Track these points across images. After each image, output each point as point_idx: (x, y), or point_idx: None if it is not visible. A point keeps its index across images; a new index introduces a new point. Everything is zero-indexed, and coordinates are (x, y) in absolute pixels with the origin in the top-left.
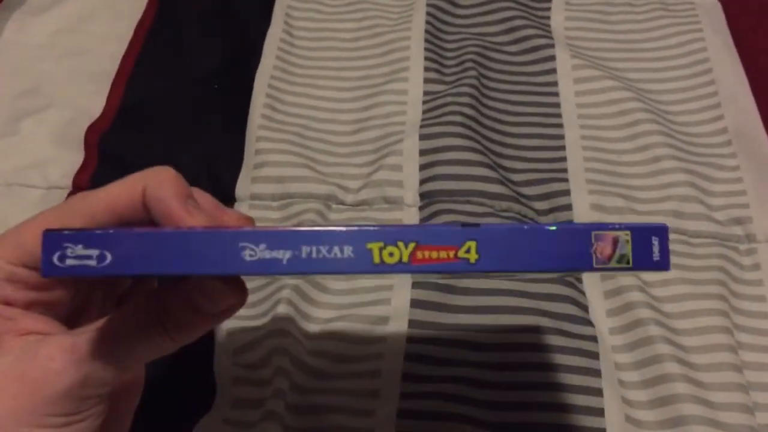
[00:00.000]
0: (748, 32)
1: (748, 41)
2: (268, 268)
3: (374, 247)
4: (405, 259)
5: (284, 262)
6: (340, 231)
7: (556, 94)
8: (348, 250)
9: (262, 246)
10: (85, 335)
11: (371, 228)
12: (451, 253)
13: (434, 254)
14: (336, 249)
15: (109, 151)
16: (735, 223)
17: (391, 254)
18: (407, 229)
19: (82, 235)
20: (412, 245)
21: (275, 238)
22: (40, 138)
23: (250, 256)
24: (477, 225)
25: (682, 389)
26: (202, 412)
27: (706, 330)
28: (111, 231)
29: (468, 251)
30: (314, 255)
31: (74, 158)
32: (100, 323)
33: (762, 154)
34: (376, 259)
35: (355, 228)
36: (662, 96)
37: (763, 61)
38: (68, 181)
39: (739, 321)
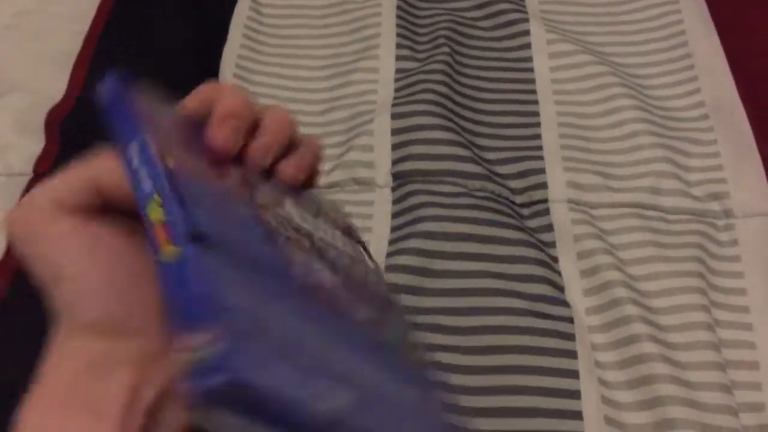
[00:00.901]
0: (725, 4)
1: (725, 14)
2: None
3: None
4: None
5: None
6: None
7: (531, 70)
8: None
9: None
10: None
11: None
12: None
13: None
14: None
15: (71, 136)
16: (712, 198)
17: None
18: None
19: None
20: None
21: None
22: (0, 124)
23: None
24: None
25: (659, 369)
26: None
27: (683, 308)
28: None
29: None
30: None
31: (36, 144)
32: None
33: (739, 127)
34: None
35: None
36: (639, 70)
37: (740, 33)
38: (29, 168)
39: (717, 298)
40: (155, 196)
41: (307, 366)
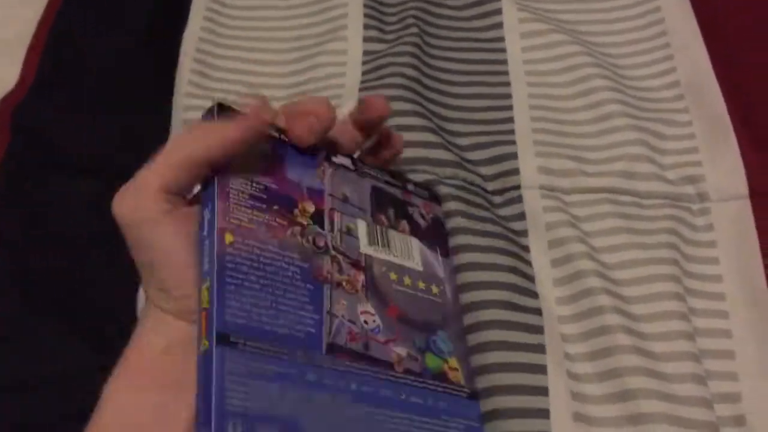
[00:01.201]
0: None
1: None
2: None
3: None
4: None
5: None
6: None
7: (503, 50)
8: None
9: None
10: None
11: None
12: None
13: None
14: None
15: (23, 125)
16: (687, 182)
17: None
18: None
19: None
20: None
21: None
22: None
23: None
24: None
25: (632, 361)
26: None
27: (657, 297)
28: None
29: None
30: None
31: None
32: None
33: (715, 108)
34: None
35: None
36: (612, 49)
37: (717, 12)
38: None
39: (692, 285)
40: (207, 280)
41: None
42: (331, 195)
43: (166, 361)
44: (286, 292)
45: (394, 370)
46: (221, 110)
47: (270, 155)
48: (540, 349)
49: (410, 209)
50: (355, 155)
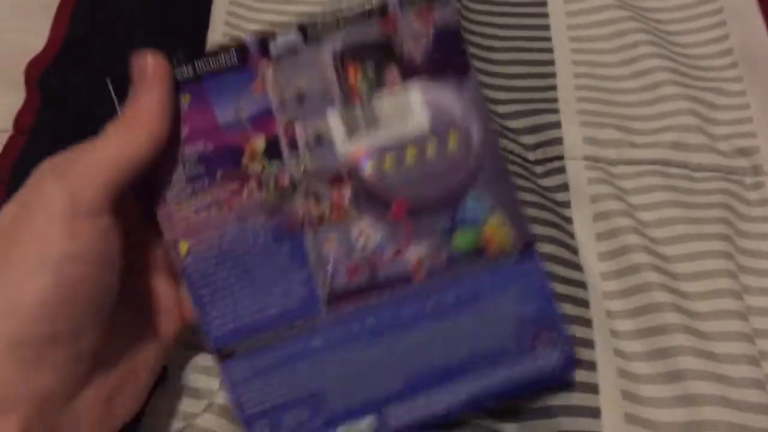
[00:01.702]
0: None
1: None
2: None
3: None
4: None
5: None
6: None
7: (545, 15)
8: None
9: None
10: None
11: None
12: None
13: None
14: None
15: (52, 90)
16: (740, 154)
17: None
18: None
19: None
20: None
21: None
22: None
23: None
24: None
25: (681, 340)
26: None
27: (708, 274)
28: None
29: None
30: None
31: (15, 98)
32: None
33: None
34: None
35: None
36: (661, 14)
37: None
38: (9, 124)
39: (745, 263)
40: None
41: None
42: (281, 106)
43: None
44: (264, 269)
45: (412, 281)
46: (115, 85)
47: (189, 108)
48: (587, 323)
49: (396, 42)
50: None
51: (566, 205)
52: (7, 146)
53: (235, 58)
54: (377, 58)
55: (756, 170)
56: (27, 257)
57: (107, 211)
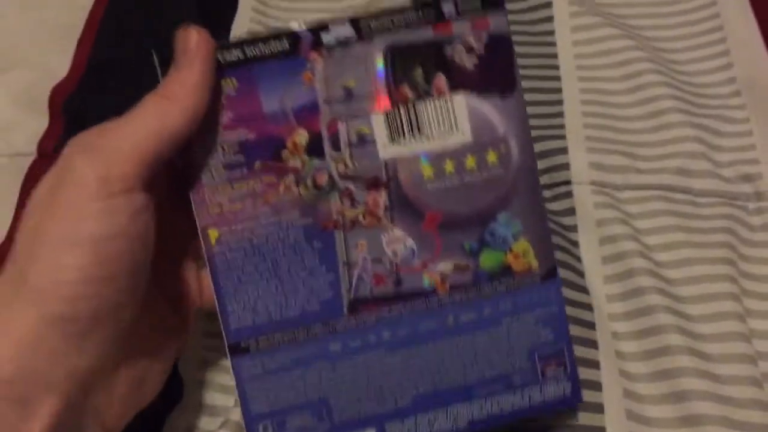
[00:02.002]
0: None
1: None
2: None
3: None
4: None
5: None
6: None
7: (553, 44)
8: None
9: None
10: None
11: None
12: None
13: None
14: None
15: (75, 115)
16: (744, 180)
17: None
18: None
19: None
20: None
21: None
22: (2, 102)
23: None
24: None
25: (685, 361)
26: (171, 405)
27: (712, 297)
28: None
29: None
30: None
31: (39, 123)
32: None
33: None
34: None
35: None
36: (667, 44)
37: None
38: (33, 148)
39: (748, 286)
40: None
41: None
42: (327, 101)
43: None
44: (291, 266)
45: (436, 294)
46: (160, 57)
47: (235, 93)
48: (592, 344)
49: (448, 49)
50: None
51: (573, 229)
52: (30, 169)
53: (287, 46)
54: (427, 63)
55: (759, 196)
56: (64, 235)
57: (140, 188)
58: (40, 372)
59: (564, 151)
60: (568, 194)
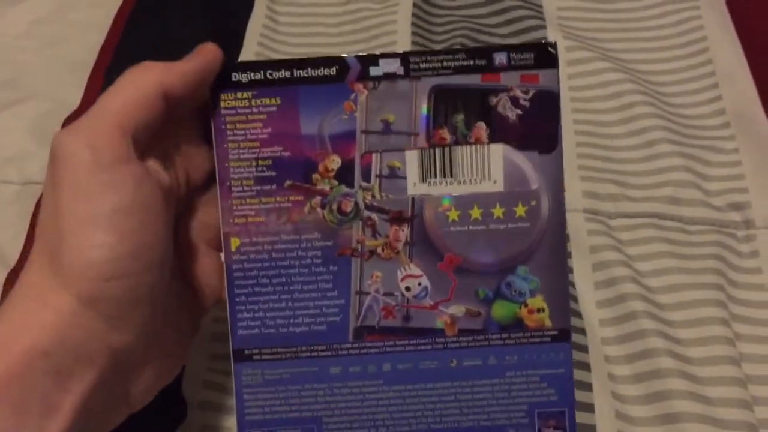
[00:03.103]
0: (746, 9)
1: (747, 19)
2: None
3: None
4: None
5: None
6: None
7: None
8: None
9: None
10: None
11: None
12: None
13: None
14: None
15: None
16: (733, 208)
17: None
18: None
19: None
20: None
21: None
22: (16, 131)
23: None
24: None
25: (676, 384)
26: (174, 425)
27: (702, 322)
28: None
29: None
30: None
31: None
32: None
33: (761, 135)
34: None
35: None
36: (658, 77)
37: (762, 40)
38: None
39: (737, 311)
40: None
41: None
42: (365, 132)
43: (37, 369)
44: (304, 285)
45: (444, 335)
46: None
47: (276, 110)
48: (585, 367)
49: (493, 99)
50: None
51: (567, 255)
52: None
53: (333, 73)
54: (470, 109)
55: (748, 224)
56: (77, 217)
57: (133, 159)
58: (78, 346)
59: None
60: None
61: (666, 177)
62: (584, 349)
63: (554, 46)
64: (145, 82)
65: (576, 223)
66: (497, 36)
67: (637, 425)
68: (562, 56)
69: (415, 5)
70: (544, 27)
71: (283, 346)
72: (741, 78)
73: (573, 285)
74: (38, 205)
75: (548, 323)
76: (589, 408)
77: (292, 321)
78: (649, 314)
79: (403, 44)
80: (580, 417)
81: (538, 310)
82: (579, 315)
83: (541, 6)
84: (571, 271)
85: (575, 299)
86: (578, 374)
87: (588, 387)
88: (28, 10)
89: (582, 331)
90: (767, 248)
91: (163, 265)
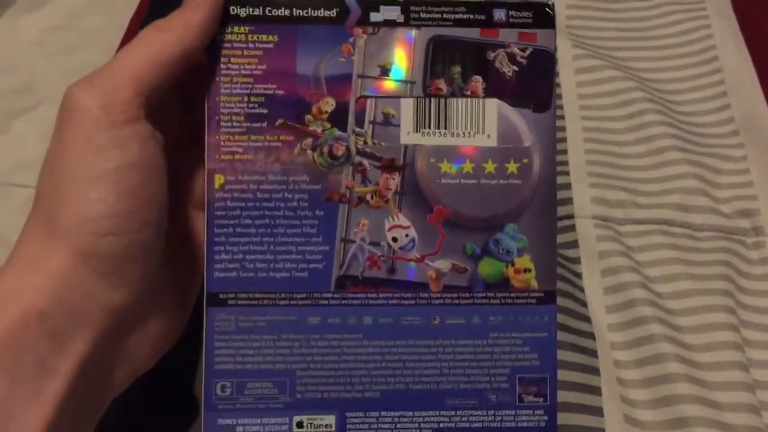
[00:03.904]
0: (755, 18)
1: (756, 28)
2: None
3: None
4: None
5: None
6: None
7: (557, 85)
8: None
9: None
10: None
11: None
12: None
13: None
14: None
15: None
16: (742, 215)
17: None
18: None
19: None
20: None
21: None
22: (31, 136)
23: None
24: None
25: (684, 389)
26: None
27: (711, 327)
28: None
29: None
30: None
31: None
32: None
33: None
34: None
35: None
36: (667, 85)
37: None
38: None
39: (746, 317)
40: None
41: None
42: (361, 76)
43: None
44: (288, 228)
45: (428, 290)
46: None
47: (273, 48)
48: (595, 371)
49: (491, 54)
50: None
51: (577, 261)
52: None
53: (334, 15)
54: (467, 63)
55: (757, 231)
56: (80, 172)
57: (143, 119)
58: (75, 306)
59: (567, 186)
60: (572, 228)
61: (675, 184)
62: (594, 353)
63: (552, 7)
64: (165, 43)
65: (585, 229)
66: None
67: (645, 429)
68: (571, 64)
69: None
70: None
71: (260, 292)
72: (749, 86)
73: (582, 290)
74: None
75: (534, 284)
76: (599, 412)
77: (272, 266)
78: (658, 319)
79: None
80: (590, 421)
81: (525, 270)
82: (588, 320)
83: None
84: (580, 276)
85: (584, 304)
86: (588, 379)
87: (597, 391)
88: (42, 18)
89: (591, 336)
90: None
91: (159, 225)
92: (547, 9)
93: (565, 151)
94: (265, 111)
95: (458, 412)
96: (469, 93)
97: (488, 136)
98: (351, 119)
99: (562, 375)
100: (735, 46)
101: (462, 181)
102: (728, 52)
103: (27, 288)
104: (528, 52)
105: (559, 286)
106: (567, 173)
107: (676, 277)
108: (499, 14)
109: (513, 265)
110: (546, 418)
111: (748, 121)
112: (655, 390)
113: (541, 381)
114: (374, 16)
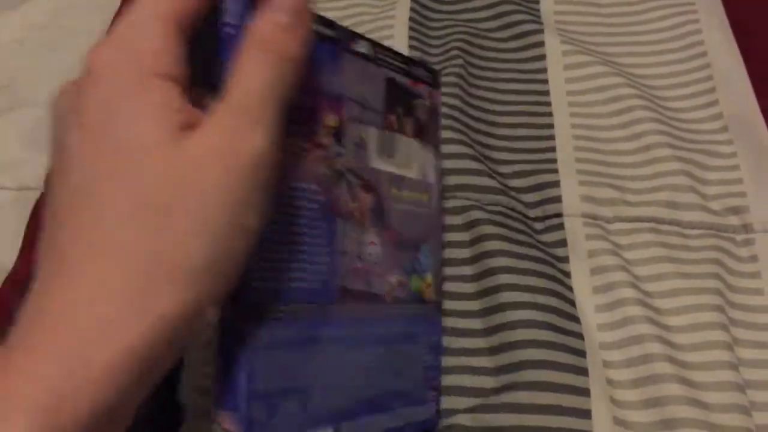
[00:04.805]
0: (743, 13)
1: (744, 23)
2: None
3: None
4: None
5: None
6: None
7: (546, 81)
8: None
9: None
10: None
11: None
12: None
13: None
14: None
15: None
16: (731, 212)
17: None
18: None
19: None
20: None
21: None
22: (10, 138)
23: None
24: None
25: (674, 390)
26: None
27: (700, 326)
28: None
29: None
30: None
31: (46, 159)
32: None
33: (759, 140)
34: None
35: None
36: (655, 81)
37: (760, 43)
38: (39, 182)
39: (736, 316)
40: None
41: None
42: (350, 99)
43: None
44: (307, 237)
45: (385, 302)
46: None
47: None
48: (583, 372)
49: (416, 102)
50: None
51: (565, 260)
52: (37, 203)
53: (330, 33)
54: (405, 105)
55: (746, 228)
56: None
57: (174, 76)
58: None
59: (556, 184)
60: (560, 226)
61: (664, 181)
62: (582, 354)
63: (438, 72)
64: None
65: (574, 227)
66: (495, 40)
67: (635, 430)
68: (560, 61)
69: (412, 9)
70: (541, 31)
71: (284, 304)
72: (738, 82)
73: (571, 289)
74: (34, 212)
75: (433, 296)
76: (587, 414)
77: (295, 275)
78: (647, 319)
79: (400, 49)
80: (579, 424)
81: (428, 285)
82: (577, 319)
83: (538, 10)
84: (568, 275)
85: (573, 303)
86: (576, 380)
87: (586, 392)
88: (23, 16)
89: (580, 336)
90: (766, 252)
91: None
92: (436, 75)
93: (553, 149)
94: (290, 115)
95: (403, 410)
96: (405, 131)
97: (414, 170)
98: (344, 137)
99: (551, 376)
100: (724, 42)
101: (402, 205)
102: (717, 48)
103: None
104: (432, 106)
105: (548, 285)
106: (555, 171)
107: (666, 276)
108: (415, 69)
109: (425, 280)
110: (437, 407)
111: (737, 117)
112: (644, 391)
113: (437, 378)
114: (356, 46)
